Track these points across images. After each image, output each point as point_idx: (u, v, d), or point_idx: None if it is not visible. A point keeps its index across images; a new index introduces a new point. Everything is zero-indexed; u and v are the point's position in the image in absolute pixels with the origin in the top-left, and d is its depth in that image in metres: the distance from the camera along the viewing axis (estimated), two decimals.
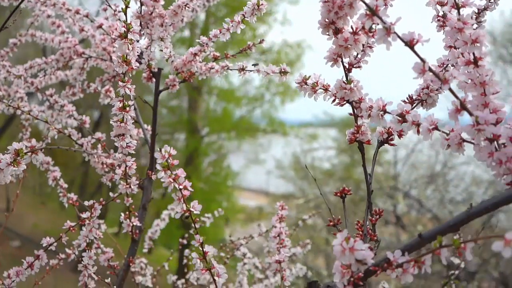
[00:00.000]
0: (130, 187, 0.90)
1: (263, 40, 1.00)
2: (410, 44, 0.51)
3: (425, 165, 7.39)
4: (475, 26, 0.72)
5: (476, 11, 0.72)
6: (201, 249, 0.65)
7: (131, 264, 0.99)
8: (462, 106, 0.52)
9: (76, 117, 1.13)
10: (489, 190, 6.60)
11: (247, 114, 12.36)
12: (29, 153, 0.68)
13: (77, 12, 1.10)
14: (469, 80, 0.56)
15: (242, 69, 0.96)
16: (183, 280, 1.38)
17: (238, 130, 12.09)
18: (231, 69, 0.98)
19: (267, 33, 11.56)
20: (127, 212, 0.96)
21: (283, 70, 0.83)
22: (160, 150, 0.61)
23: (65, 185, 1.10)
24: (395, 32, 0.50)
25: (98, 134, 1.06)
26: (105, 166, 1.02)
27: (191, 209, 0.64)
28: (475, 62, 0.54)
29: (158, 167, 0.63)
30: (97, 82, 1.20)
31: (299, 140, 11.48)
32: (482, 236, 0.43)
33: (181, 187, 0.62)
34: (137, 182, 0.91)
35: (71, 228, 0.92)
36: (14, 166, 0.67)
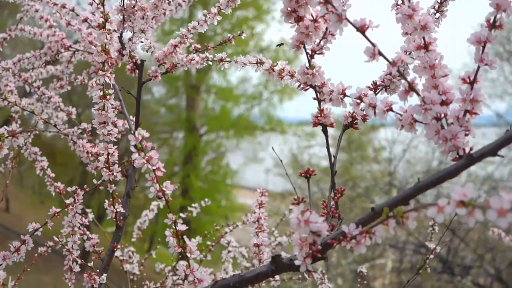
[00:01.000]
0: (113, 174, 0.93)
1: (242, 32, 1.04)
2: (361, 29, 0.54)
3: (422, 162, 7.43)
4: (437, 15, 0.75)
5: (439, 0, 0.75)
6: (174, 227, 0.69)
7: (115, 249, 1.02)
8: (410, 87, 0.55)
9: (63, 108, 1.16)
10: (484, 186, 6.65)
11: (246, 113, 12.40)
12: (10, 137, 0.72)
13: (63, 6, 1.13)
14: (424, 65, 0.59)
15: (221, 60, 1.00)
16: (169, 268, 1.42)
17: (237, 128, 12.13)
18: (210, 61, 1.02)
19: (265, 31, 11.60)
20: (111, 199, 0.99)
21: (259, 61, 0.87)
22: (134, 133, 0.65)
23: (52, 175, 1.14)
24: (346, 19, 0.54)
25: (84, 125, 1.09)
26: (90, 155, 1.05)
27: (164, 189, 0.67)
28: (426, 46, 0.57)
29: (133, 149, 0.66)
30: (83, 75, 1.23)
31: (297, 138, 11.52)
32: (420, 205, 0.46)
33: (154, 168, 0.66)
34: (120, 169, 0.95)
35: (56, 214, 0.95)
36: None
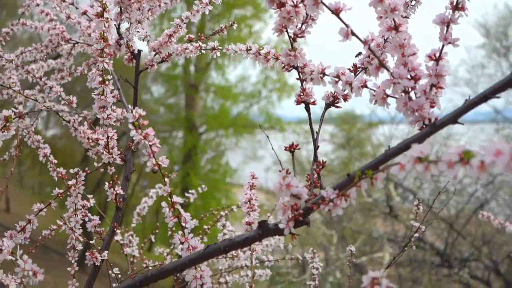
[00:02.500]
0: (112, 156, 0.99)
1: (234, 23, 1.09)
2: (336, 12, 0.60)
3: None
4: (413, 3, 0.81)
5: None
6: (170, 199, 0.74)
7: (115, 229, 1.08)
8: (380, 64, 0.61)
9: (64, 97, 1.22)
10: (480, 180, 6.71)
11: (244, 111, 12.46)
12: (17, 118, 0.77)
13: (63, 0, 1.19)
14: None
15: (213, 48, 1.06)
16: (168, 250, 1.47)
17: (236, 127, 12.18)
18: (204, 49, 1.07)
19: (263, 29, 11.66)
20: (111, 182, 1.05)
21: (248, 48, 0.92)
22: (132, 111, 0.70)
23: (55, 161, 1.19)
24: (322, 2, 0.59)
25: (85, 112, 1.15)
26: (90, 141, 1.11)
27: (160, 162, 0.73)
28: (396, 27, 0.63)
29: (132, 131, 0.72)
30: (83, 66, 1.29)
31: (297, 136, 11.57)
32: (384, 167, 0.52)
33: (150, 143, 0.71)
34: (119, 152, 1.00)
35: (59, 195, 1.01)
36: (3, 131, 0.76)
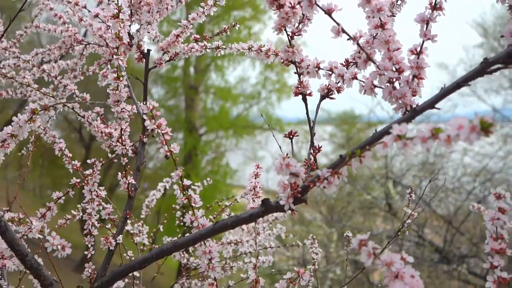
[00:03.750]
0: (125, 147, 1.07)
1: (236, 23, 1.18)
2: (328, 12, 0.68)
3: (420, 155, 7.58)
4: (399, 2, 0.89)
5: None
6: (180, 182, 0.83)
7: (128, 217, 1.16)
8: (368, 58, 0.69)
9: (78, 95, 1.30)
10: (479, 178, 6.79)
11: (244, 112, 12.54)
12: (42, 111, 0.85)
13: (76, 3, 1.27)
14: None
15: (217, 47, 1.14)
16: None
17: (236, 128, 12.26)
18: (208, 48, 1.16)
19: (262, 31, 11.75)
20: (124, 172, 1.13)
21: (250, 46, 1.01)
22: (146, 103, 0.79)
23: (70, 154, 1.27)
24: (316, 3, 0.67)
25: (97, 108, 1.23)
26: (103, 134, 1.19)
27: (172, 149, 0.81)
28: (382, 25, 0.71)
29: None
30: (95, 65, 1.37)
31: (296, 136, 11.64)
32: (369, 146, 0.60)
33: (163, 132, 0.80)
34: (131, 144, 1.09)
35: (77, 184, 1.09)
36: (30, 123, 0.85)
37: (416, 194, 6.81)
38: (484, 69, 0.61)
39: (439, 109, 0.64)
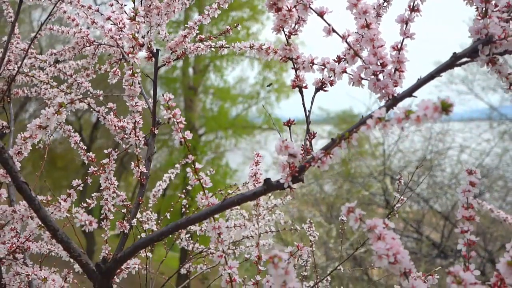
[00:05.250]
0: (138, 138, 1.18)
1: (238, 24, 1.28)
2: (320, 14, 0.79)
3: (418, 153, 7.70)
4: (385, 4, 0.99)
5: None
6: (193, 165, 0.93)
7: (140, 202, 1.27)
8: (355, 54, 0.80)
9: (92, 91, 1.40)
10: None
11: (243, 112, 12.65)
12: (69, 104, 0.96)
13: (89, 7, 1.38)
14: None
15: (221, 46, 1.25)
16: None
17: (235, 128, 12.36)
18: (213, 48, 1.26)
19: (260, 31, 11.87)
20: (136, 161, 1.24)
21: (252, 45, 1.11)
22: (163, 95, 0.89)
23: (85, 147, 1.38)
24: (310, 7, 0.78)
25: (110, 104, 1.33)
26: (116, 128, 1.29)
27: (185, 136, 0.91)
28: (367, 26, 0.82)
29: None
30: (106, 64, 1.47)
31: (295, 136, 11.75)
32: (354, 131, 0.70)
33: (178, 120, 0.90)
34: (144, 135, 1.19)
35: (95, 172, 1.19)
36: (58, 115, 0.95)
37: (412, 189, 6.93)
38: (453, 62, 0.72)
39: (416, 97, 0.75)
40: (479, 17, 0.72)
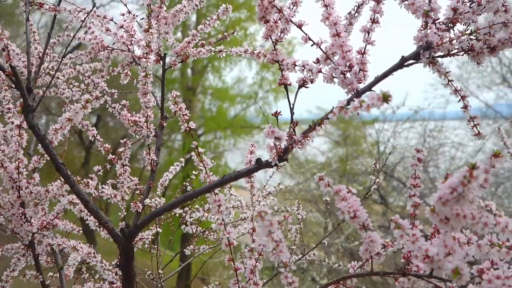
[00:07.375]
0: (150, 130, 1.37)
1: (234, 31, 1.48)
2: (299, 25, 0.99)
3: (412, 150, 7.90)
4: (356, 14, 1.19)
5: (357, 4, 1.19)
6: (197, 150, 1.13)
7: (151, 186, 1.46)
8: (327, 57, 1.00)
9: (108, 90, 1.60)
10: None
11: (242, 112, 12.83)
12: (95, 100, 1.15)
13: (104, 17, 1.58)
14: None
15: (220, 51, 1.45)
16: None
17: (233, 128, 12.54)
18: (213, 52, 1.46)
19: (258, 32, 12.06)
20: (148, 150, 1.43)
21: (246, 50, 1.31)
22: (171, 92, 1.09)
23: (101, 139, 1.58)
24: (291, 20, 0.98)
25: (123, 101, 1.53)
26: (130, 122, 1.49)
27: (190, 126, 1.11)
28: (338, 34, 1.02)
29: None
30: (119, 67, 1.67)
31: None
32: (325, 118, 0.90)
33: (183, 113, 1.10)
34: (154, 127, 1.39)
35: (113, 160, 1.39)
36: (84, 109, 1.15)
37: (406, 185, 7.13)
38: (401, 63, 0.92)
39: (374, 91, 0.95)
40: (421, 28, 0.92)
